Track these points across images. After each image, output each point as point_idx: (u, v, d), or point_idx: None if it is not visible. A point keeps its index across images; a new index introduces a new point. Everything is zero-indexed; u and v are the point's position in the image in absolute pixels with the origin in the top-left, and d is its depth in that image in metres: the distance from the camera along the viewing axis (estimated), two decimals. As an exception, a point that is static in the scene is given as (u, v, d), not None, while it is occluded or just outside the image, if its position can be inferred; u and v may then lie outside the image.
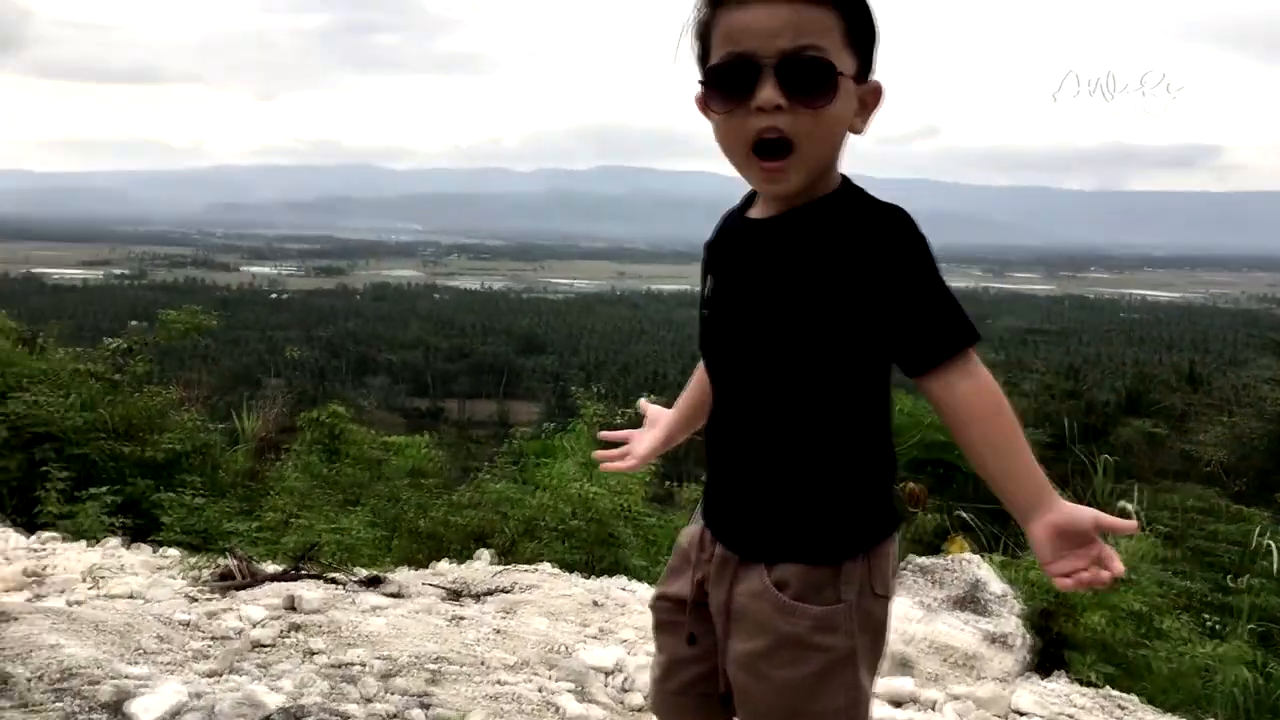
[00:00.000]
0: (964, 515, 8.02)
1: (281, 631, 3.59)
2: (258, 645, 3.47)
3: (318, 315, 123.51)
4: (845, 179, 1.64)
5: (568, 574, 5.06)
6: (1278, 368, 28.84)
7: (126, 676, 2.90)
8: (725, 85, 1.55)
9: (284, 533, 5.88)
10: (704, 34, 1.60)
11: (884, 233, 1.54)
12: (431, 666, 3.39)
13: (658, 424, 2.01)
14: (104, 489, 5.92)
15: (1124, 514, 5.09)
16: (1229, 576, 8.45)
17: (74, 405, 6.54)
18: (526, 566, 5.23)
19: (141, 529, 6.05)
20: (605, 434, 2.04)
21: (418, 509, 6.58)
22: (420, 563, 5.90)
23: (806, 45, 1.50)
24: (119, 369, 7.13)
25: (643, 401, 2.08)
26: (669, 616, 1.80)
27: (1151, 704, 3.94)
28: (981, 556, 4.98)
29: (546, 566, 5.21)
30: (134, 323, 8.42)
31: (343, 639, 3.55)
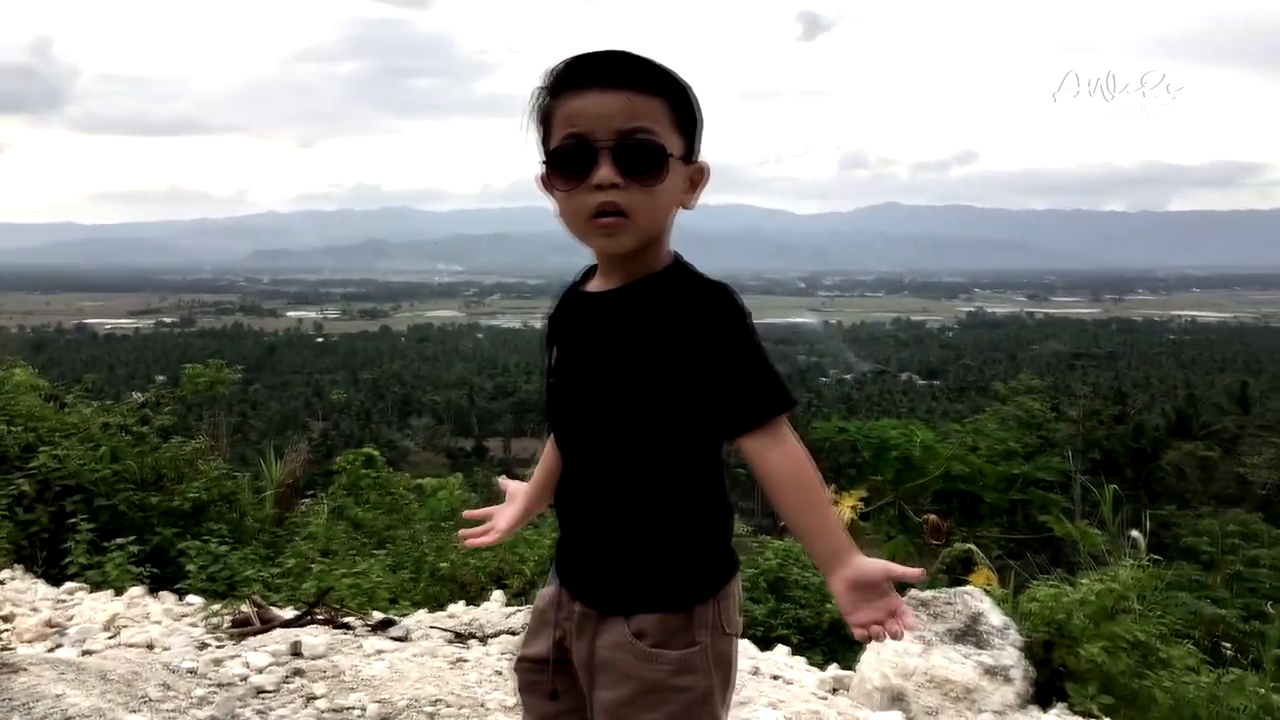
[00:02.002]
0: (987, 545, 7.98)
1: (284, 677, 3.67)
2: (260, 691, 3.55)
3: (361, 358, 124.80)
4: (677, 256, 1.78)
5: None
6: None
7: (127, 724, 2.99)
8: (566, 166, 1.69)
9: (305, 578, 5.99)
10: (545, 120, 1.73)
11: (708, 308, 1.68)
12: (429, 709, 3.45)
13: (516, 499, 2.10)
14: (130, 539, 6.04)
15: (1134, 543, 5.06)
16: (1268, 603, 8.32)
17: (102, 457, 6.69)
18: (539, 607, 5.28)
19: (168, 578, 6.16)
20: (469, 513, 2.16)
21: (437, 551, 6.65)
22: (440, 605, 5.98)
23: (639, 128, 1.65)
24: (145, 421, 7.29)
25: (501, 479, 2.20)
26: (532, 677, 1.89)
27: (1157, 735, 3.90)
28: (991, 589, 4.96)
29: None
30: (159, 377, 8.59)
31: (344, 683, 3.62)
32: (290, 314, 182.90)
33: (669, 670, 1.70)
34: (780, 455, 1.66)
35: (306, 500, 8.30)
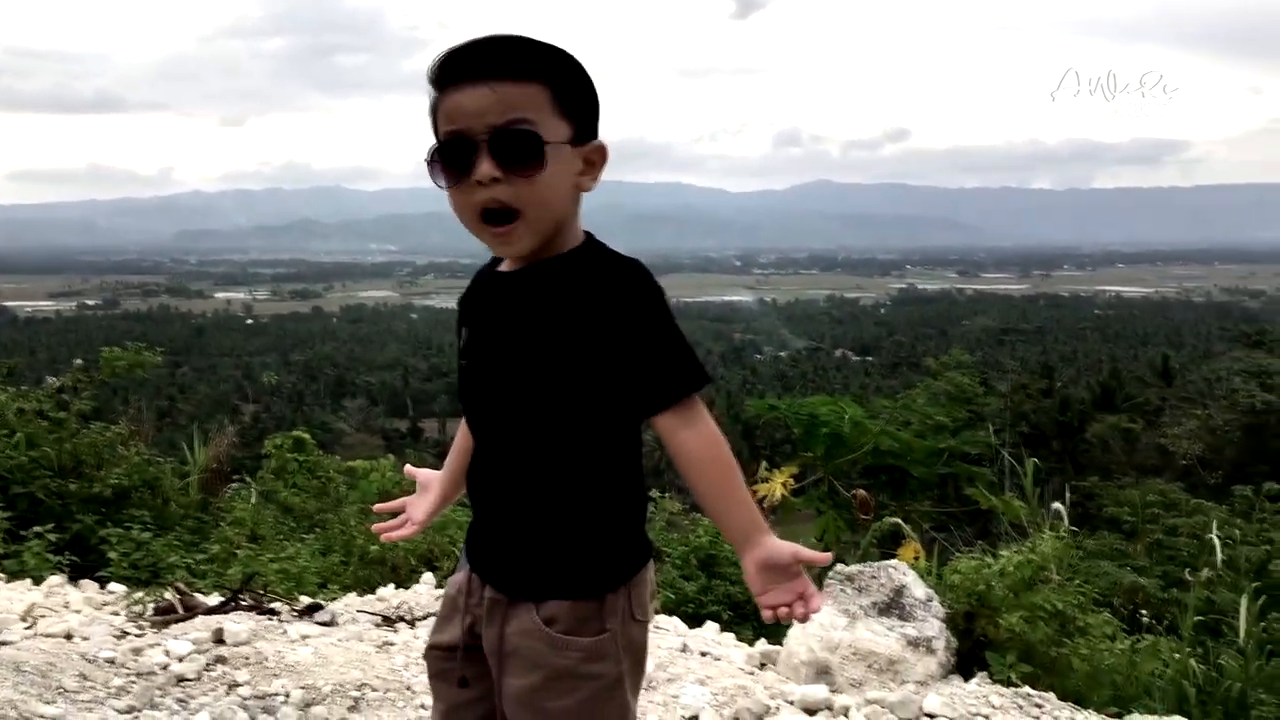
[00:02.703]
0: (916, 519, 8.10)
1: (206, 665, 3.61)
2: (181, 679, 3.49)
3: (293, 339, 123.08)
4: (589, 236, 1.76)
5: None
6: (1249, 360, 29.26)
7: (41, 716, 2.92)
8: (448, 162, 1.67)
9: (231, 564, 5.90)
10: (433, 114, 1.71)
11: (621, 285, 1.67)
12: (354, 694, 3.43)
13: (430, 488, 2.08)
14: (48, 527, 5.91)
15: (1057, 515, 5.18)
16: (1186, 570, 8.56)
17: (18, 444, 6.53)
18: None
19: (89, 566, 6.04)
20: (380, 506, 2.12)
21: (368, 534, 6.59)
22: (371, 588, 5.93)
23: (515, 119, 1.62)
24: (63, 406, 7.11)
25: (408, 468, 2.16)
26: (442, 665, 1.88)
27: (1075, 702, 4.01)
28: (917, 563, 5.05)
29: (489, 588, 5.24)
30: (77, 361, 8.39)
31: (267, 670, 3.58)
32: (219, 295, 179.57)
33: (579, 657, 1.69)
34: (693, 434, 1.66)
35: (233, 485, 8.17)
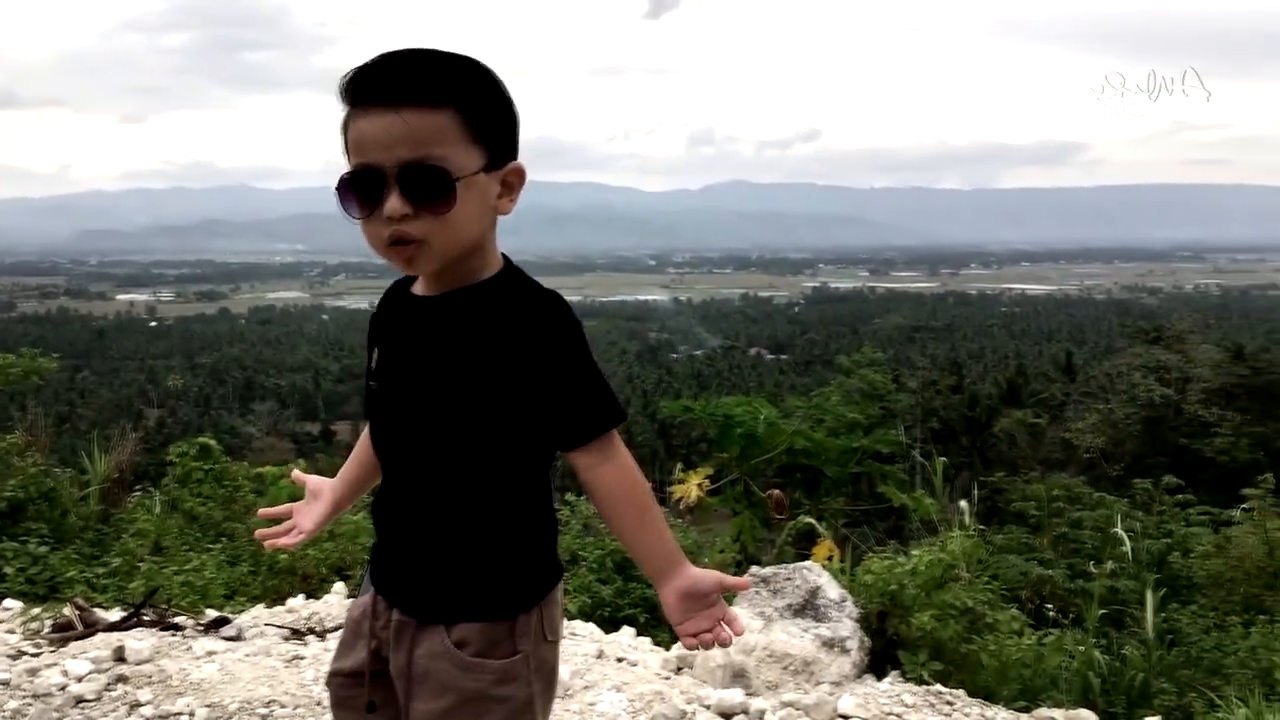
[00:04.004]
0: (831, 517, 8.20)
1: (107, 684, 3.49)
2: (80, 700, 3.37)
3: (199, 342, 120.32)
4: (507, 262, 1.73)
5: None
6: (1147, 355, 30.18)
7: (-73, 746, 2.79)
8: (358, 193, 1.62)
9: (133, 578, 5.73)
10: (344, 133, 1.65)
11: (538, 319, 1.64)
12: (262, 710, 3.35)
13: (321, 496, 2.00)
14: (-62, 543, 5.68)
15: (961, 515, 5.27)
16: (1091, 562, 8.78)
17: (-96, 457, 6.27)
18: (382, 598, 5.16)
19: (-18, 583, 5.81)
20: (265, 511, 2.03)
21: (276, 544, 6.44)
22: (280, 599, 5.80)
23: (424, 155, 1.57)
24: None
25: (296, 473, 2.10)
26: (346, 691, 1.83)
27: (985, 698, 4.07)
28: (830, 563, 5.09)
29: (402, 597, 5.15)
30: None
31: (171, 688, 3.48)
32: (120, 297, 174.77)
33: (491, 680, 1.66)
34: (610, 470, 1.65)
35: (136, 494, 7.93)
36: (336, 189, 1.64)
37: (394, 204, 1.58)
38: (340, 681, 1.84)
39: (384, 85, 1.58)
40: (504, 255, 1.74)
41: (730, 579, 1.68)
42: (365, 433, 1.91)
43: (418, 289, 1.75)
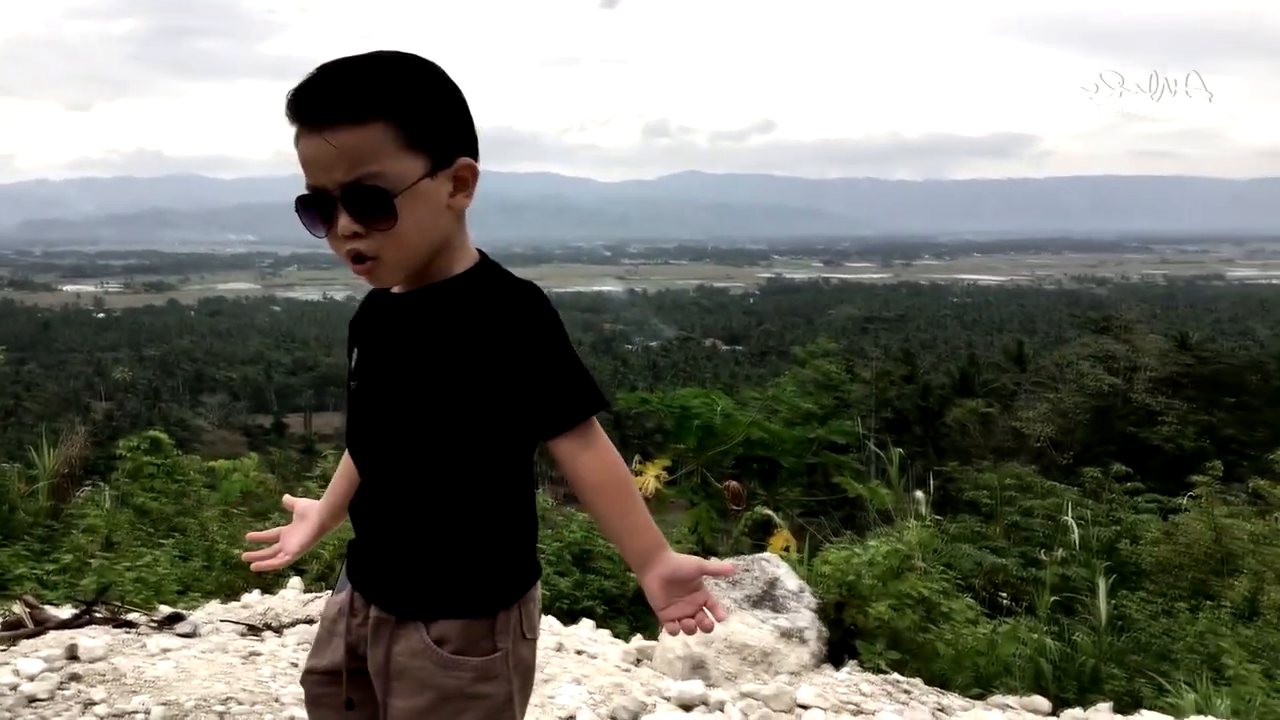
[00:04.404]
0: (787, 507, 8.25)
1: (59, 683, 3.44)
2: (32, 700, 3.32)
3: (148, 333, 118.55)
4: (483, 256, 1.73)
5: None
6: (1096, 345, 30.60)
7: (-126, 749, 2.74)
8: (315, 211, 1.62)
9: (84, 574, 5.64)
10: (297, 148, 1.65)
11: (515, 310, 1.63)
12: (219, 708, 3.31)
13: (307, 517, 2.01)
14: (-118, 540, 5.56)
15: (917, 505, 5.33)
16: (1042, 550, 8.91)
17: None
18: (339, 592, 5.13)
19: (-72, 580, 5.70)
20: (253, 535, 2.05)
21: (229, 540, 6.37)
22: (235, 594, 5.74)
23: (361, 175, 1.56)
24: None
25: (287, 498, 2.10)
26: (321, 689, 1.82)
27: (941, 686, 4.13)
28: (786, 553, 5.13)
29: (359, 591, 5.12)
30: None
31: (125, 686, 3.43)
32: (66, 288, 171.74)
33: (470, 677, 1.66)
34: (591, 458, 1.64)
35: (85, 489, 7.81)
36: (295, 209, 1.64)
37: (343, 224, 1.59)
38: (315, 679, 1.82)
39: (311, 107, 1.57)
40: (479, 250, 1.73)
41: (712, 564, 1.67)
42: (346, 455, 1.91)
43: (395, 287, 1.75)
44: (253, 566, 1.99)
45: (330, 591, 1.88)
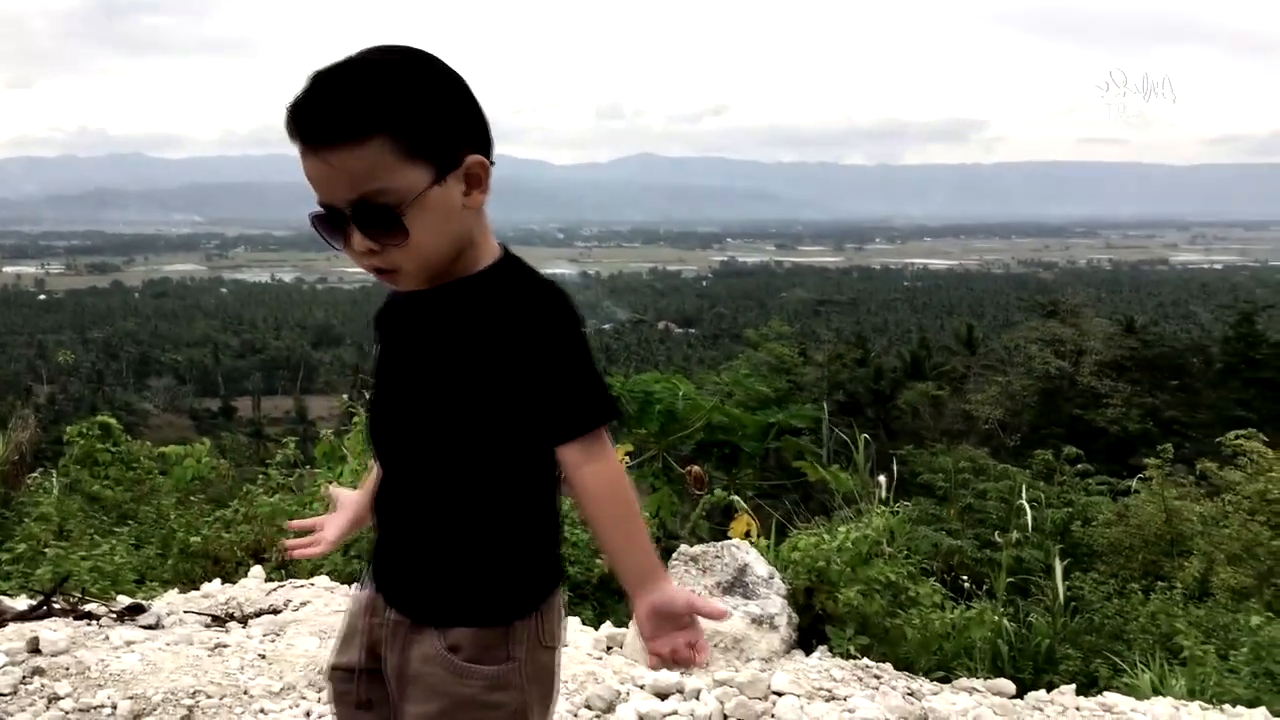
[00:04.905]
0: (744, 490, 8.29)
1: (22, 677, 3.37)
2: (-6, 695, 3.25)
3: (91, 315, 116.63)
4: (506, 252, 1.69)
5: (345, 586, 4.94)
6: (1044, 329, 31.03)
7: None
8: (330, 227, 1.60)
9: (39, 564, 5.54)
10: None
11: (532, 310, 1.60)
12: (187, 702, 3.26)
13: (346, 506, 2.00)
14: None
15: (879, 489, 5.37)
16: (996, 533, 9.03)
17: None
18: (302, 581, 5.08)
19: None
20: (294, 524, 2.05)
21: (187, 527, 6.28)
22: (195, 583, 5.66)
23: (364, 192, 1.53)
24: None
25: (331, 487, 2.10)
26: (345, 686, 1.81)
27: (908, 670, 4.17)
28: (754, 540, 5.15)
29: (323, 579, 5.07)
30: None
31: (90, 680, 3.37)
32: (7, 269, 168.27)
33: (481, 686, 1.64)
34: (595, 469, 1.60)
35: (35, 476, 7.66)
36: (311, 224, 1.61)
37: (357, 241, 1.57)
38: (340, 676, 1.81)
39: (307, 127, 1.53)
40: (502, 244, 1.70)
41: (703, 604, 1.65)
42: None
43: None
44: (292, 554, 1.99)
45: (357, 587, 1.87)
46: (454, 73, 1.62)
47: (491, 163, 1.64)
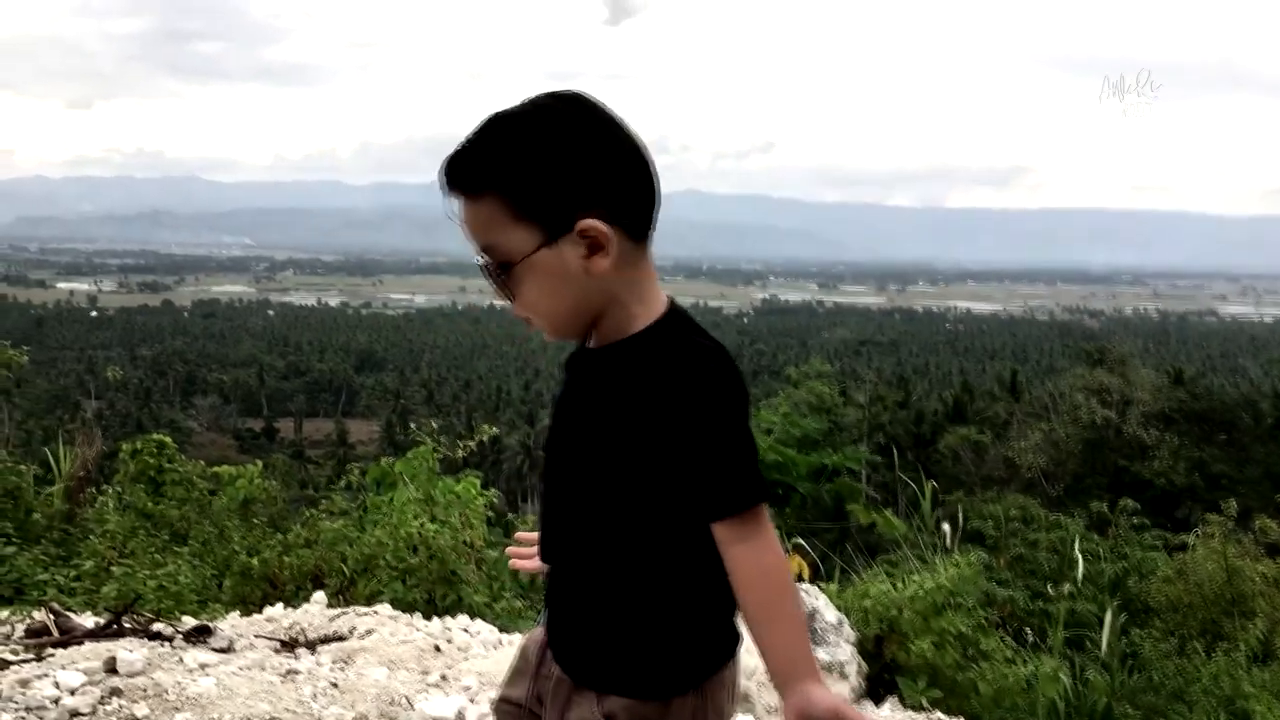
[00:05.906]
0: (800, 540, 8.22)
1: (101, 697, 3.39)
2: (75, 714, 3.27)
3: (141, 334, 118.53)
4: (670, 313, 1.64)
5: (407, 615, 4.95)
6: (1090, 377, 30.66)
7: (-74, 761, 2.70)
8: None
9: (104, 581, 5.59)
10: None
11: (685, 379, 1.53)
12: (264, 728, 3.28)
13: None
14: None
15: (943, 538, 5.33)
16: (1048, 584, 8.90)
17: None
18: (364, 608, 5.10)
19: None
20: (521, 536, 1.99)
21: (249, 550, 6.33)
22: (253, 605, 5.69)
23: (483, 246, 1.58)
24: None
25: (521, 534, 2.03)
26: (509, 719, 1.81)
27: (977, 723, 4.11)
28: (816, 584, 5.11)
29: (385, 608, 5.09)
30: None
31: (168, 703, 3.39)
32: (61, 285, 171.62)
33: None
34: (746, 550, 1.52)
35: (101, 494, 7.75)
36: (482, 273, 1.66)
37: (494, 288, 1.62)
38: (507, 709, 1.80)
39: (446, 173, 1.57)
40: (670, 301, 1.65)
41: (851, 712, 1.51)
42: None
43: (592, 341, 1.69)
44: (513, 563, 1.99)
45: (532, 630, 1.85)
46: (588, 132, 1.56)
47: (644, 229, 1.61)
